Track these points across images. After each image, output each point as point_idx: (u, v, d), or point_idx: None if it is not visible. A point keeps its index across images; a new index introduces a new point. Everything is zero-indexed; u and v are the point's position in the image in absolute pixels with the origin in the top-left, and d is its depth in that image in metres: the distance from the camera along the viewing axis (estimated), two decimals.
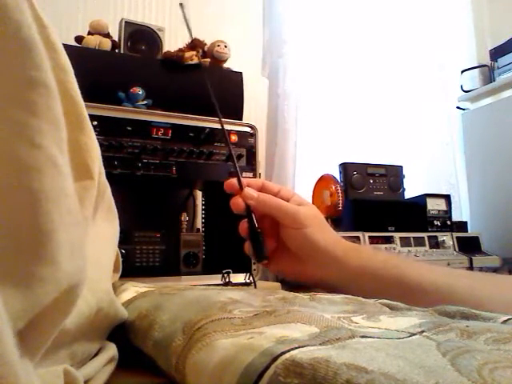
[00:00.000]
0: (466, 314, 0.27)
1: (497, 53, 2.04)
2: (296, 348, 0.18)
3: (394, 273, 0.44)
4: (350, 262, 0.46)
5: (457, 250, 1.55)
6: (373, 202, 1.55)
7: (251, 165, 1.19)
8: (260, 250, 0.47)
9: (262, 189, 0.51)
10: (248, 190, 0.50)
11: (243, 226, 0.49)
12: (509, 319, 0.25)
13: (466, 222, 1.77)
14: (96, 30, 1.25)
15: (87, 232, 0.28)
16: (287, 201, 0.49)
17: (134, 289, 0.39)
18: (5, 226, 0.16)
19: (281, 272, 0.53)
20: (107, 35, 1.26)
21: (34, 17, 0.20)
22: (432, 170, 1.97)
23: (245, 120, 1.26)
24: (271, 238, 0.50)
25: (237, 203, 0.50)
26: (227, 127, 1.18)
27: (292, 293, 0.38)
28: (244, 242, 0.51)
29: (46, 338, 0.18)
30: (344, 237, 0.52)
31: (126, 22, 1.29)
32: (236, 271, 1.08)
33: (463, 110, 2.09)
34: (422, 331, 0.22)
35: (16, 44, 0.17)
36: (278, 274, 0.52)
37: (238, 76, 1.31)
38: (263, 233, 0.49)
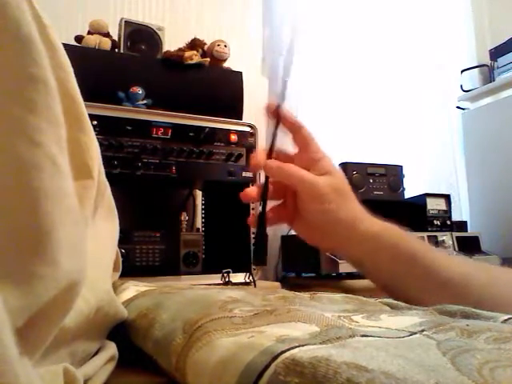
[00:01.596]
0: (467, 313, 0.27)
1: (497, 52, 2.04)
2: (296, 347, 0.18)
3: (427, 264, 0.41)
4: (377, 240, 0.43)
5: (456, 249, 1.54)
6: (373, 201, 1.54)
7: None
8: (260, 254, 0.46)
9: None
10: (269, 162, 0.45)
11: (252, 218, 0.46)
12: (509, 318, 0.25)
13: (465, 222, 1.77)
14: (96, 30, 1.25)
15: (87, 231, 0.28)
16: (312, 165, 0.46)
17: (134, 288, 0.39)
18: (4, 224, 0.16)
19: (301, 236, 0.50)
20: (107, 35, 1.26)
21: (33, 16, 0.20)
22: (432, 169, 1.97)
23: (245, 119, 1.26)
24: (289, 204, 0.47)
25: (249, 192, 0.46)
26: (227, 127, 1.18)
27: (292, 292, 0.38)
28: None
29: (45, 336, 0.18)
30: None
31: (125, 21, 1.29)
32: (236, 271, 1.08)
33: (463, 109, 2.09)
34: (423, 330, 0.22)
35: (15, 41, 0.17)
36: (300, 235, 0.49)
37: (238, 75, 1.31)
38: (281, 198, 0.46)
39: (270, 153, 0.46)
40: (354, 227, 0.44)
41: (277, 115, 0.47)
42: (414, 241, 0.44)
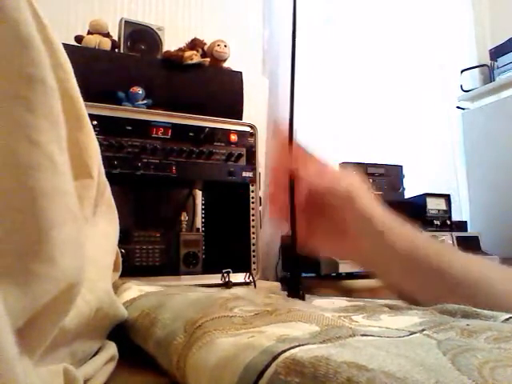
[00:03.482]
0: (467, 313, 0.27)
1: (497, 52, 2.04)
2: (296, 346, 0.18)
3: (442, 271, 0.41)
4: (395, 241, 0.43)
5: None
6: None
7: (251, 164, 1.19)
8: (296, 287, 0.40)
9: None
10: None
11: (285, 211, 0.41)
12: (509, 318, 0.25)
13: (465, 222, 1.77)
14: (96, 30, 1.25)
15: (87, 231, 0.28)
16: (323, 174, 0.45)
17: (136, 288, 0.39)
18: (3, 223, 0.16)
19: (316, 248, 0.47)
20: (107, 35, 1.26)
21: (33, 16, 0.20)
22: (432, 169, 1.97)
23: (245, 119, 1.26)
24: (307, 216, 0.44)
25: (283, 210, 0.41)
26: (227, 127, 1.18)
27: None
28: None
29: (45, 336, 0.18)
30: None
31: (125, 21, 1.29)
32: (236, 271, 1.08)
33: (463, 109, 2.09)
34: (423, 330, 0.22)
35: (14, 41, 0.17)
36: (311, 251, 0.45)
37: (238, 75, 1.31)
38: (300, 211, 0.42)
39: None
40: (383, 224, 0.43)
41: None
42: (428, 245, 0.44)
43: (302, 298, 0.38)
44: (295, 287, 0.40)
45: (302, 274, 0.41)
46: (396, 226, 0.45)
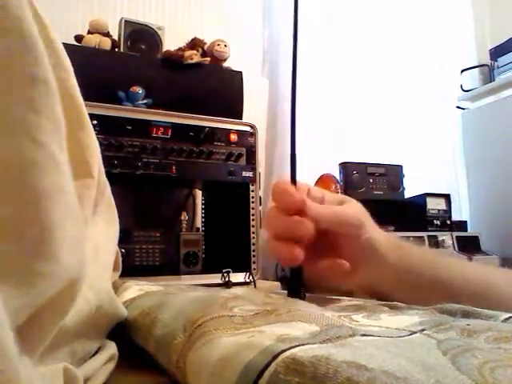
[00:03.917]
0: (467, 312, 0.27)
1: (497, 52, 2.04)
2: (296, 346, 0.18)
3: (448, 289, 0.41)
4: (401, 264, 0.42)
5: (456, 249, 1.55)
6: (373, 201, 1.55)
7: (251, 164, 1.19)
8: (297, 287, 0.39)
9: (308, 195, 0.41)
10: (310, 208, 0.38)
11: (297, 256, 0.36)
12: (509, 317, 0.25)
13: (465, 222, 1.77)
14: (96, 29, 1.25)
15: (86, 230, 0.28)
16: (322, 202, 0.42)
17: (136, 287, 0.39)
18: (5, 221, 0.16)
19: (326, 279, 0.44)
20: (107, 34, 1.26)
21: (33, 15, 0.20)
22: (432, 169, 1.97)
23: (245, 119, 1.26)
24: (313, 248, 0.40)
25: (297, 254, 0.36)
26: (227, 126, 1.19)
27: None
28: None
29: (45, 334, 0.18)
30: None
31: (125, 21, 1.29)
32: (236, 270, 1.08)
33: (463, 109, 2.09)
34: (423, 329, 0.22)
35: (17, 40, 0.17)
36: (320, 281, 0.44)
37: (238, 75, 1.31)
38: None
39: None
40: (389, 254, 0.42)
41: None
42: (436, 264, 0.44)
43: (303, 298, 0.38)
44: (296, 287, 0.39)
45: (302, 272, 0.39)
46: (405, 245, 0.45)
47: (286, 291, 0.40)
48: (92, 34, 1.24)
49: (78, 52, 1.13)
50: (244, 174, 1.17)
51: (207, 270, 1.12)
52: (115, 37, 1.28)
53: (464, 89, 2.07)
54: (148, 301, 0.33)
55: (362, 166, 1.63)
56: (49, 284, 0.16)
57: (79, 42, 1.22)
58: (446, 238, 1.55)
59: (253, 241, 1.17)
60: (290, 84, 0.39)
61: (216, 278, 1.06)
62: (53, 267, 0.17)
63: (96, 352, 0.27)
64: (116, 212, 0.38)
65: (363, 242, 0.41)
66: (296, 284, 0.39)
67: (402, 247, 0.45)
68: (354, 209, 0.42)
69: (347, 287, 0.46)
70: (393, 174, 1.68)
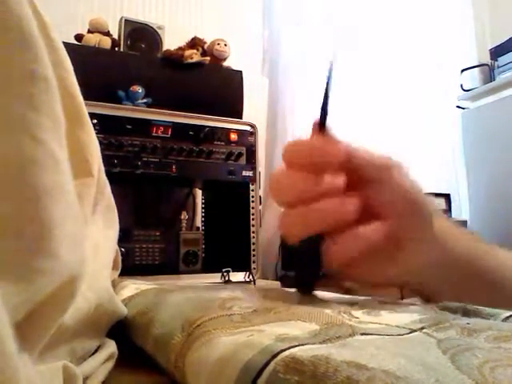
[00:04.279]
0: (468, 310, 0.27)
1: (497, 52, 2.03)
2: (296, 346, 0.18)
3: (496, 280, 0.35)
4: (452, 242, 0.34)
5: None
6: None
7: (251, 163, 1.19)
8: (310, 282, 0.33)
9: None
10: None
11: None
12: (510, 316, 0.25)
13: (465, 222, 1.77)
14: (96, 29, 1.25)
15: (86, 229, 0.28)
16: None
17: (133, 286, 0.39)
18: (5, 218, 0.16)
19: (361, 277, 0.36)
20: (107, 33, 1.26)
21: (33, 12, 0.20)
22: (432, 169, 1.97)
23: (244, 119, 1.26)
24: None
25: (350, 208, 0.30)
26: (227, 126, 1.18)
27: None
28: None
29: (44, 331, 0.18)
30: None
31: (125, 20, 1.29)
32: (235, 269, 1.08)
33: (463, 109, 2.08)
34: (423, 328, 0.22)
35: (17, 37, 0.17)
36: (355, 281, 0.37)
37: (238, 74, 1.31)
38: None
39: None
40: (429, 206, 0.35)
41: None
42: (484, 252, 0.37)
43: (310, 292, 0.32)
44: (307, 281, 0.33)
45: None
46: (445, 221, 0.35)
47: (287, 288, 0.39)
48: (92, 33, 1.24)
49: (78, 51, 1.13)
50: (244, 173, 1.17)
51: (207, 269, 1.12)
52: (115, 36, 1.28)
53: (464, 88, 2.07)
54: (145, 299, 0.33)
55: None
56: (48, 280, 0.16)
57: (79, 41, 1.22)
58: None
59: (253, 240, 1.17)
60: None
61: (216, 278, 1.06)
62: (52, 264, 0.17)
63: (96, 350, 0.27)
64: (116, 211, 0.38)
65: (394, 184, 0.33)
66: (310, 272, 0.32)
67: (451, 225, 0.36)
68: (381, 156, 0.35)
69: (386, 284, 0.37)
70: None
